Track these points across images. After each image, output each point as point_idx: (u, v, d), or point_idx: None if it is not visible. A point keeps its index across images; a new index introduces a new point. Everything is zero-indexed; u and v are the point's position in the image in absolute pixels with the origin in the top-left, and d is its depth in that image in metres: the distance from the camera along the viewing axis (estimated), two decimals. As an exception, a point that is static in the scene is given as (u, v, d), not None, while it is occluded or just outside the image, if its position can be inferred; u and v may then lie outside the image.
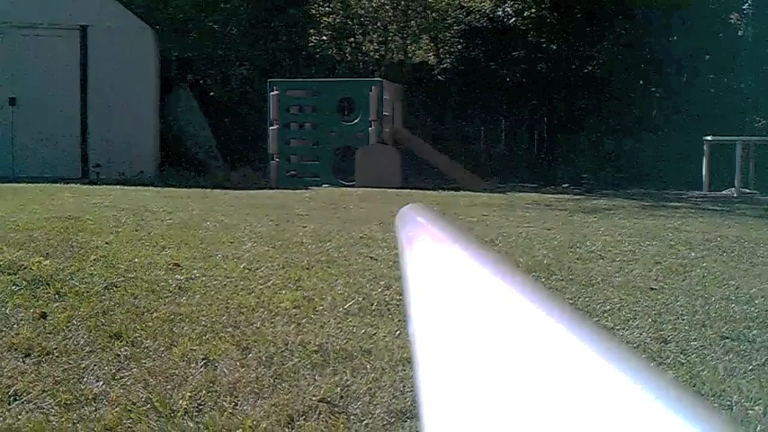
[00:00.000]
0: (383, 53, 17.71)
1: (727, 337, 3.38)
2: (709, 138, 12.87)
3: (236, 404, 2.51)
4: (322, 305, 3.77)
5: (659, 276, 4.74)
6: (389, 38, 17.87)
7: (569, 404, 0.33)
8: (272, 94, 12.98)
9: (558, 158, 15.77)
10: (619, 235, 6.58)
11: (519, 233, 6.51)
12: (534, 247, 5.76)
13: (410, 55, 17.94)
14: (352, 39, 17.59)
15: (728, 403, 2.63)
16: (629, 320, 3.68)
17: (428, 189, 11.46)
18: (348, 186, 11.86)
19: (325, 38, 17.53)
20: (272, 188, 11.76)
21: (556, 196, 11.32)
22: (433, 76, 17.09)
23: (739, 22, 16.65)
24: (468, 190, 11.70)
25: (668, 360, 3.07)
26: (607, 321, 3.64)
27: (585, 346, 0.37)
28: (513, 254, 5.40)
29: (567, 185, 13.46)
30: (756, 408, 2.59)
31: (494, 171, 14.58)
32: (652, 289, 4.35)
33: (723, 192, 12.49)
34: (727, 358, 3.10)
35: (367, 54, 17.71)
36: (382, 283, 4.20)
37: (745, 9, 16.59)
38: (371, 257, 5.00)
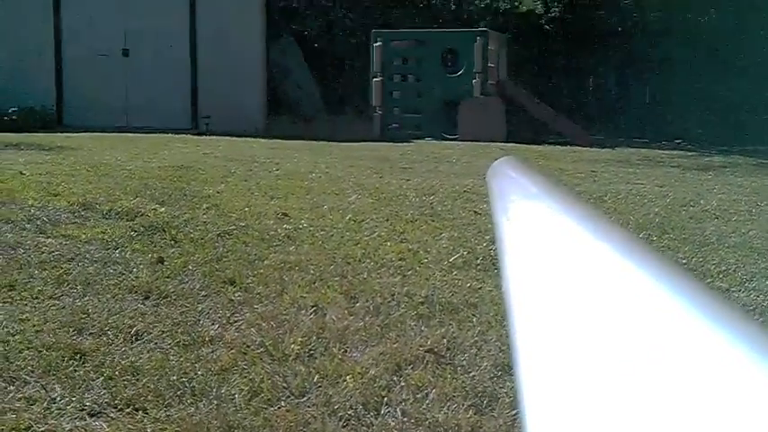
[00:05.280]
0: (489, 2, 17.36)
1: None
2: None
3: (346, 351, 2.56)
4: (427, 258, 3.78)
5: (778, 237, 4.54)
6: (497, -14, 17.48)
7: (671, 366, 0.31)
8: (375, 45, 12.94)
9: (671, 112, 15.17)
10: (734, 194, 6.32)
11: (629, 190, 6.33)
12: (645, 204, 5.60)
13: (517, 3, 17.51)
14: (459, -13, 17.30)
15: None
16: (744, 282, 3.55)
17: (533, 143, 11.26)
18: (451, 140, 11.79)
19: (431, -14, 17.30)
20: (376, 140, 11.81)
21: (667, 152, 10.94)
22: (540, 26, 16.66)
23: None
24: (576, 144, 11.44)
25: (788, 324, 2.95)
26: (722, 283, 3.52)
27: (695, 308, 0.35)
28: (624, 211, 5.27)
29: (679, 141, 12.96)
30: None
31: (602, 125, 14.18)
32: (770, 250, 4.17)
33: None
34: None
35: (472, 3, 17.40)
36: (487, 237, 4.17)
37: None
38: (475, 212, 4.98)
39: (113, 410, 2.11)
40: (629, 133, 13.55)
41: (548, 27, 16.67)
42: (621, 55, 16.09)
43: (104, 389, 2.20)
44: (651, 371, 0.32)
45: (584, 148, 10.78)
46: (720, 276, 3.64)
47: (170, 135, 10.56)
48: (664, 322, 0.35)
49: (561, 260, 0.49)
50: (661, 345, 0.33)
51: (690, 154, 10.80)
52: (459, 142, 11.30)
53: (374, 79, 13.05)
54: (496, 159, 1.10)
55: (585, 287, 0.43)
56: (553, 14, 16.87)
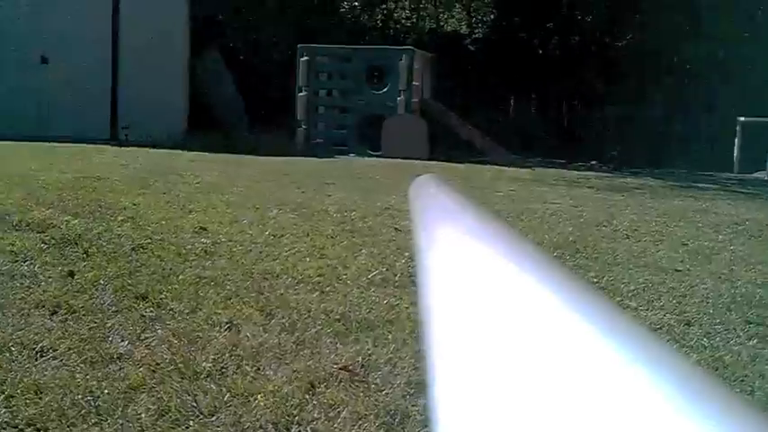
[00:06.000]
0: (414, 21, 17.56)
1: (751, 322, 3.36)
2: (742, 118, 12.66)
3: (259, 368, 2.53)
4: (346, 274, 3.78)
5: (685, 258, 4.70)
6: (422, 5, 17.69)
7: (582, 386, 0.32)
8: (301, 59, 12.93)
9: (588, 134, 15.60)
10: (646, 215, 6.52)
11: (545, 209, 6.47)
12: (560, 223, 5.73)
13: (442, 23, 17.78)
14: (384, 5, 17.45)
15: (750, 388, 2.61)
16: (653, 301, 3.66)
17: (455, 161, 11.41)
18: (374, 156, 11.84)
19: (357, 3, 17.41)
20: (299, 155, 11.77)
21: (583, 173, 11.23)
22: (464, 46, 16.93)
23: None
24: (496, 163, 11.64)
25: (691, 343, 3.06)
26: (631, 302, 3.62)
27: (604, 325, 0.36)
28: (539, 230, 5.38)
29: (594, 162, 13.32)
30: (779, 394, 2.57)
31: (522, 144, 14.46)
32: (677, 270, 4.32)
33: (754, 174, 12.31)
34: (751, 343, 3.08)
35: (398, 21, 17.57)
36: (406, 254, 4.20)
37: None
38: (396, 228, 5.01)
39: (13, 430, 2.03)
40: (548, 154, 13.86)
41: (471, 47, 16.96)
42: (542, 77, 16.49)
43: (5, 408, 2.12)
44: (563, 390, 0.32)
45: (504, 167, 10.98)
46: (630, 295, 3.74)
47: (87, 145, 10.30)
48: (575, 341, 0.35)
49: (477, 278, 0.50)
50: (571, 363, 0.34)
51: (604, 175, 11.11)
52: (383, 159, 11.36)
53: (299, 94, 13.02)
54: (418, 177, 1.11)
55: (500, 305, 0.43)
56: (477, 35, 17.19)
